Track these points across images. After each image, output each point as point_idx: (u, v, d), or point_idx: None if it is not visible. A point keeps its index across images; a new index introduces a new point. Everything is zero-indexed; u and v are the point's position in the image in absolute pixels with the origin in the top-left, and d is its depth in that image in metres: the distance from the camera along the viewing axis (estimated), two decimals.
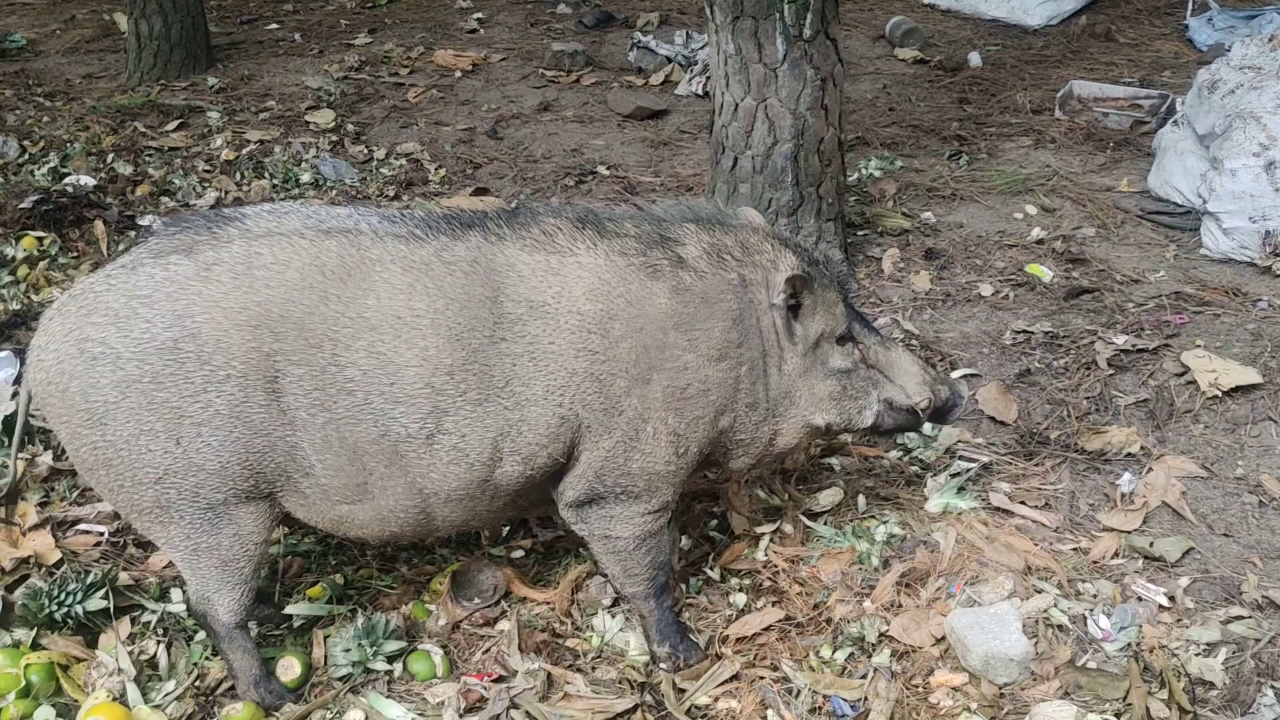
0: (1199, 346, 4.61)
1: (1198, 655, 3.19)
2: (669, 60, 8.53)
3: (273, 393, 2.71)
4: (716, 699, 3.12)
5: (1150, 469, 3.96)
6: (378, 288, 2.75)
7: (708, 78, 7.89)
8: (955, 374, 4.60)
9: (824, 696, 3.11)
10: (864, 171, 6.49)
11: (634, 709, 3.05)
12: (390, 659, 3.21)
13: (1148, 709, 3.01)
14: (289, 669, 3.16)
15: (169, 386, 2.66)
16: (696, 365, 2.95)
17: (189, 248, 2.73)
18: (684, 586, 3.51)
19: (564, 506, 3.06)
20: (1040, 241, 5.67)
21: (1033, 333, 4.88)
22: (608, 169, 6.85)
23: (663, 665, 3.19)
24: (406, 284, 2.76)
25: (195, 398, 2.67)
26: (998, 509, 3.82)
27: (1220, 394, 4.31)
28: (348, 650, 3.16)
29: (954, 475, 3.95)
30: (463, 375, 2.76)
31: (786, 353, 3.10)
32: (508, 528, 3.78)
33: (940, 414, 3.41)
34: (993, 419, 4.33)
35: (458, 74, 8.61)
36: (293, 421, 2.74)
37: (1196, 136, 5.88)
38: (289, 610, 3.39)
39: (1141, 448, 4.09)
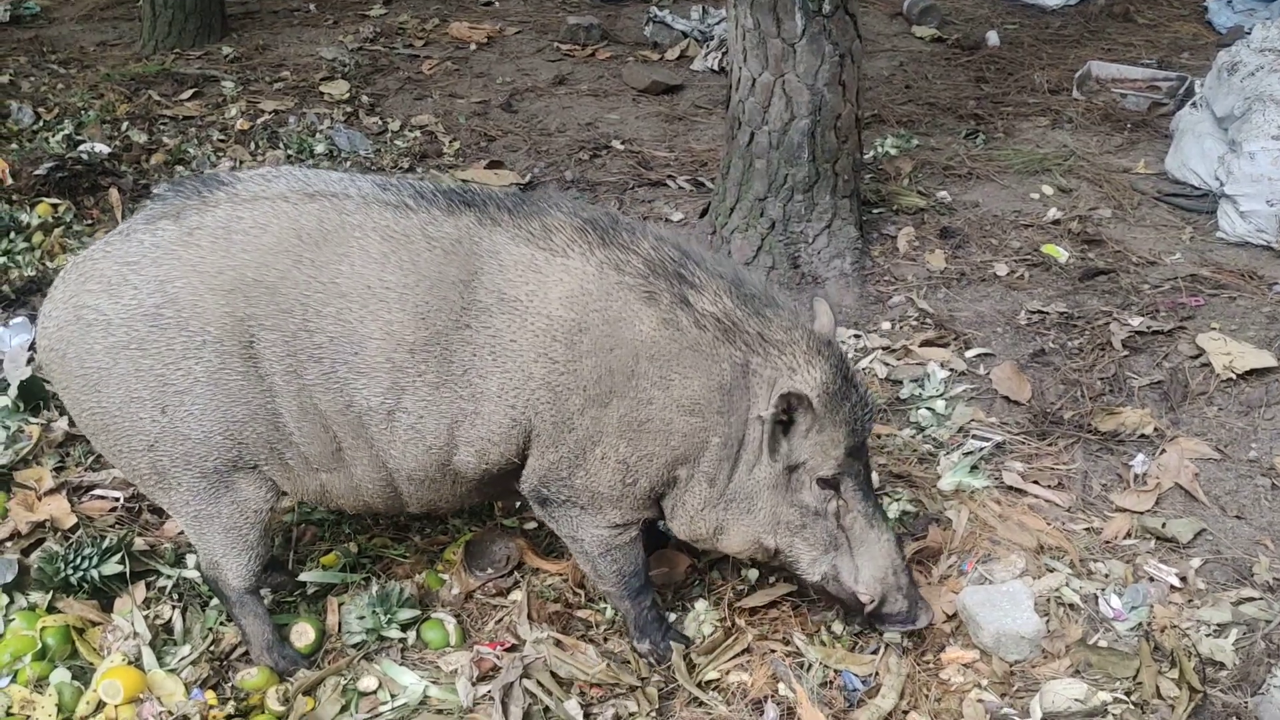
0: (1214, 329, 4.59)
1: (1208, 636, 3.20)
2: (685, 35, 8.49)
3: (249, 359, 2.69)
4: (728, 672, 3.13)
5: (1163, 450, 3.96)
6: (353, 255, 2.69)
7: (724, 53, 7.86)
8: (969, 353, 4.60)
9: (835, 671, 3.12)
10: (880, 149, 6.47)
11: (639, 686, 3.07)
12: (404, 627, 3.23)
13: (1158, 688, 3.02)
14: (303, 635, 3.18)
15: (154, 353, 2.67)
16: (662, 405, 2.77)
17: (177, 213, 2.73)
18: (696, 560, 3.51)
19: (530, 501, 3.02)
20: (1056, 222, 5.65)
21: (1047, 313, 4.86)
22: (622, 143, 6.82)
23: (643, 659, 3.18)
24: (382, 254, 2.69)
25: (177, 365, 2.68)
26: (1010, 488, 3.83)
27: (1234, 377, 4.29)
28: (362, 618, 3.18)
29: (967, 454, 3.96)
30: (424, 355, 2.70)
31: (764, 458, 2.83)
32: (520, 503, 3.78)
33: (880, 618, 3.03)
34: (1006, 398, 4.33)
35: (472, 46, 8.58)
36: (270, 388, 2.72)
37: (1215, 119, 5.84)
38: (303, 578, 3.41)
39: (1155, 429, 4.08)
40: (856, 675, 3.10)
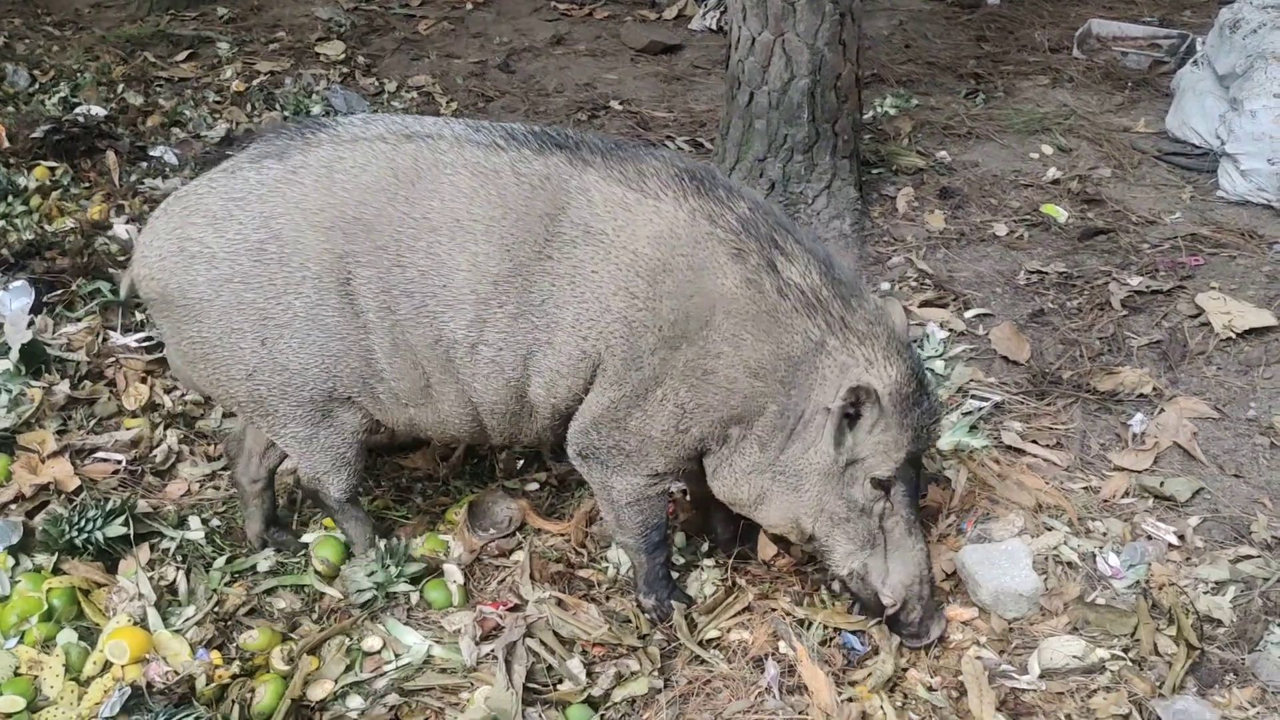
0: (1213, 288, 4.60)
1: (1206, 593, 3.22)
2: None
3: (346, 295, 2.77)
4: (729, 630, 3.16)
5: (1162, 410, 3.97)
6: (444, 190, 2.75)
7: (722, 11, 7.81)
8: (968, 313, 4.60)
9: (835, 630, 3.14)
10: (879, 109, 6.44)
11: (641, 646, 3.09)
12: (413, 580, 3.26)
13: (1156, 645, 3.05)
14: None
15: (256, 287, 2.77)
16: (730, 361, 2.76)
17: (282, 152, 2.82)
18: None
19: (568, 444, 3.03)
20: (1056, 181, 5.64)
21: (1047, 273, 4.86)
22: (620, 104, 6.79)
23: (645, 615, 3.20)
24: (471, 188, 2.74)
25: (278, 299, 2.78)
26: (1009, 447, 3.85)
27: (1234, 336, 4.31)
28: (372, 573, 3.20)
29: (966, 414, 3.97)
30: (505, 287, 2.74)
31: (820, 443, 2.79)
32: (522, 461, 3.80)
33: (894, 623, 3.02)
34: (1005, 358, 4.34)
35: (469, 6, 8.53)
36: (365, 325, 2.80)
37: (1216, 77, 5.81)
38: (305, 539, 3.43)
39: (1154, 388, 4.09)
40: (854, 636, 3.12)
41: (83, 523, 3.27)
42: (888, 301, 2.98)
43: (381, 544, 3.28)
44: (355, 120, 2.90)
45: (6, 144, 5.69)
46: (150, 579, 3.20)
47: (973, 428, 3.88)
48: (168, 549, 3.36)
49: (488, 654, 3.04)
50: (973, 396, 4.09)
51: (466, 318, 2.77)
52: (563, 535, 3.49)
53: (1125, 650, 3.06)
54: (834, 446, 2.78)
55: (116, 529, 3.30)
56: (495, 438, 3.06)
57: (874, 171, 5.74)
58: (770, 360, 2.76)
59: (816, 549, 2.98)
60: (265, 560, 3.36)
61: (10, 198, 5.22)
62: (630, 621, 3.18)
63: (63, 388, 3.96)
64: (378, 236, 2.74)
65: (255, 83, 6.97)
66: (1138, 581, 3.28)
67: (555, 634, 3.09)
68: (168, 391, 4.04)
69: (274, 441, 3.14)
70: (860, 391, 2.69)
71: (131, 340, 4.28)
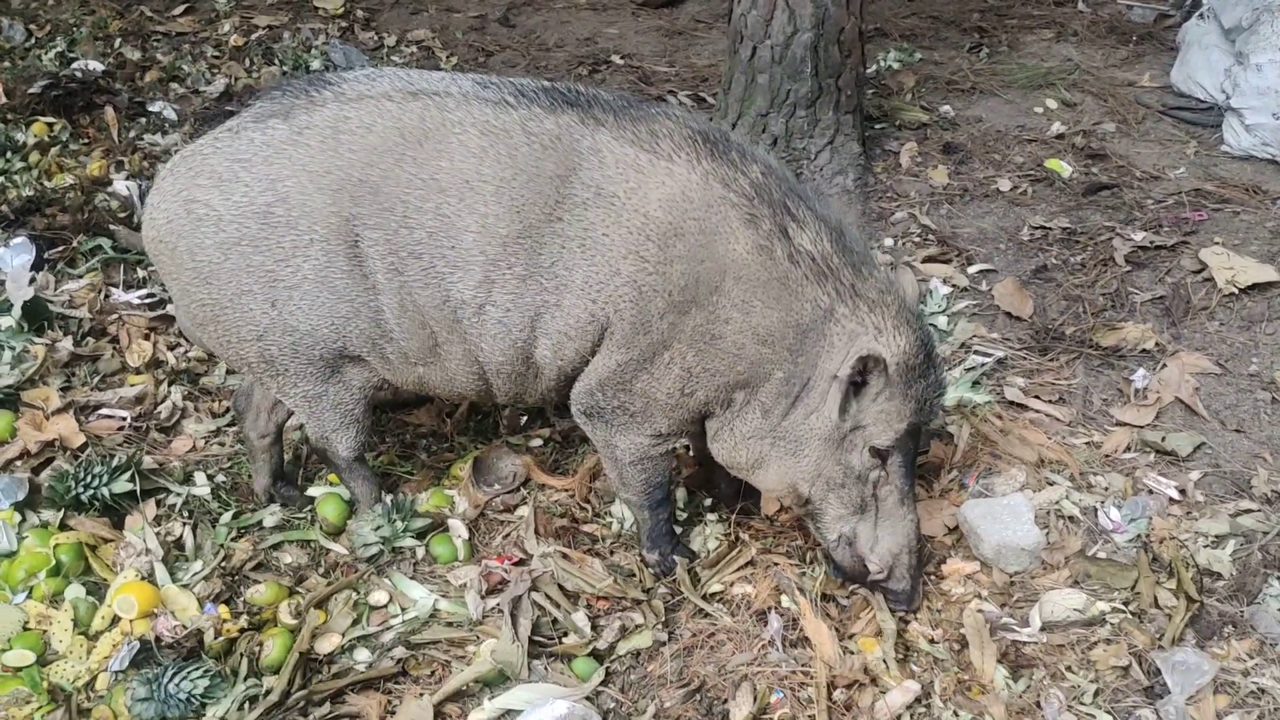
0: (1217, 244, 4.59)
1: (1206, 547, 3.24)
2: None
3: (354, 257, 2.77)
4: (732, 584, 3.18)
5: (1164, 365, 3.98)
6: (452, 150, 2.72)
7: None
8: (971, 269, 4.60)
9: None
10: (882, 64, 6.40)
11: (645, 600, 3.12)
12: (419, 535, 3.28)
13: (1156, 598, 3.07)
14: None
15: (264, 250, 2.76)
16: (738, 327, 2.74)
17: (287, 111, 2.79)
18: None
19: (572, 403, 3.03)
20: (1060, 136, 5.61)
21: (1050, 229, 4.85)
22: (622, 58, 6.75)
23: (649, 570, 3.22)
24: (480, 148, 2.71)
25: (286, 262, 2.77)
26: (1012, 403, 3.86)
27: (1237, 291, 4.30)
28: (378, 527, 3.22)
29: (969, 369, 3.97)
30: (514, 248, 2.73)
31: (824, 407, 2.79)
32: (525, 417, 3.81)
33: (873, 586, 3.04)
34: (1008, 314, 4.34)
35: None
36: (374, 286, 2.80)
37: (1222, 30, 5.77)
38: (310, 492, 3.45)
39: (1156, 344, 4.10)
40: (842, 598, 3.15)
41: (89, 479, 3.28)
42: (900, 271, 2.97)
43: (388, 499, 3.30)
44: (360, 77, 2.86)
45: (4, 100, 5.67)
46: (157, 534, 3.22)
47: (975, 383, 3.88)
48: (174, 505, 3.38)
49: (493, 608, 3.06)
50: (975, 352, 4.09)
51: (474, 279, 2.75)
52: (567, 490, 3.50)
53: (1125, 603, 3.08)
54: (839, 413, 2.77)
55: (122, 485, 3.31)
56: (501, 397, 3.06)
57: (877, 127, 5.71)
58: (779, 327, 2.75)
59: (809, 512, 2.98)
60: (271, 515, 3.37)
61: (9, 154, 5.21)
62: (634, 575, 3.20)
63: (66, 344, 3.97)
64: (385, 198, 2.72)
65: (253, 37, 6.93)
66: (1138, 535, 3.30)
67: (560, 587, 3.12)
68: (171, 348, 4.04)
69: (282, 401, 3.14)
70: (869, 360, 2.68)
71: (134, 297, 4.28)
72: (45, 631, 2.94)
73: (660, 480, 3.13)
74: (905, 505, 2.92)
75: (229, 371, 3.95)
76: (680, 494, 3.51)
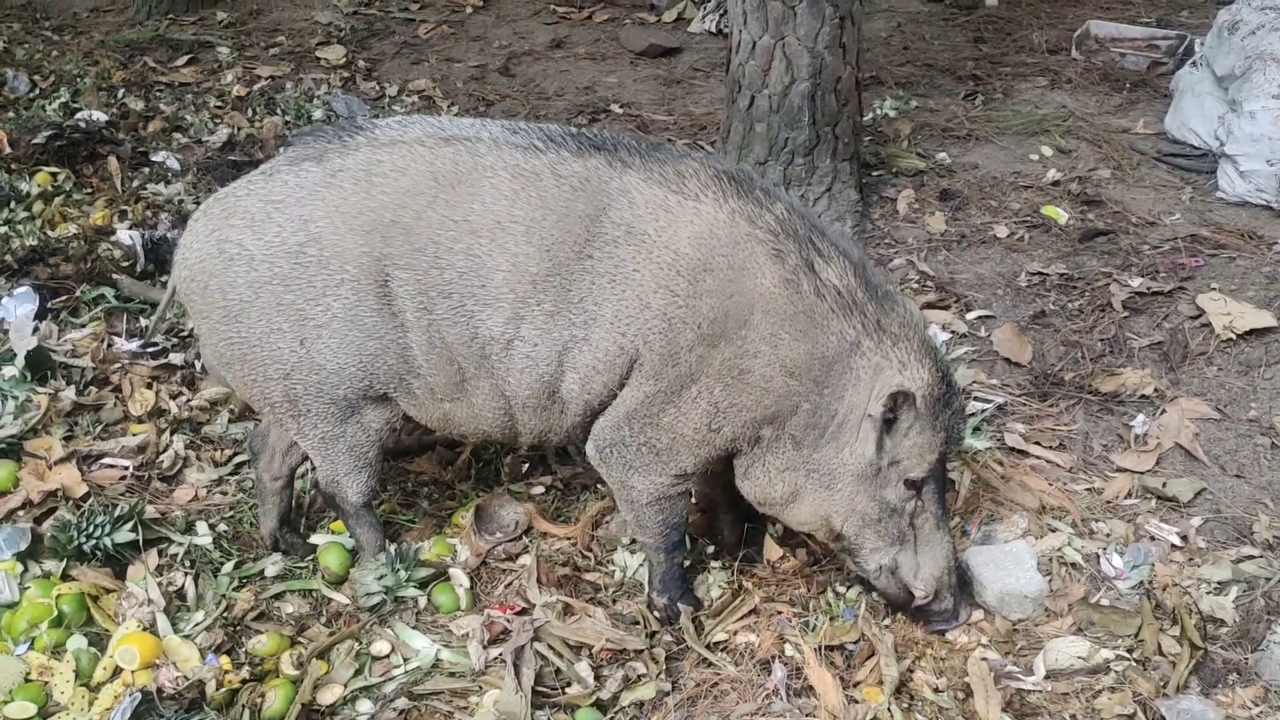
0: (1214, 289, 4.62)
1: (1209, 593, 3.24)
2: None
3: (384, 297, 2.82)
4: (735, 633, 3.17)
5: (1164, 411, 3.99)
6: (484, 193, 2.79)
7: (721, 14, 7.82)
8: (970, 315, 4.62)
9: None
10: (879, 111, 6.46)
11: (648, 645, 3.10)
12: (422, 585, 3.27)
13: (1160, 645, 3.07)
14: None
15: (295, 289, 2.82)
16: (767, 360, 2.79)
17: (320, 155, 2.86)
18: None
19: (591, 441, 3.05)
20: (1056, 183, 5.66)
21: (1048, 274, 4.88)
22: (621, 107, 6.81)
23: (655, 613, 3.22)
24: (512, 191, 2.78)
25: (317, 301, 2.82)
26: (1012, 449, 3.86)
27: (1234, 337, 4.33)
28: (381, 577, 3.22)
29: (969, 415, 3.98)
30: (544, 285, 2.78)
31: (856, 444, 2.83)
32: (527, 464, 3.82)
33: (924, 613, 3.08)
34: (1007, 360, 4.36)
35: (468, 10, 8.54)
36: (403, 324, 2.84)
37: (1215, 78, 5.83)
38: (314, 540, 3.45)
39: (1155, 389, 4.11)
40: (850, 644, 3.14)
41: (91, 529, 3.28)
42: (907, 303, 3.02)
43: (391, 548, 3.30)
44: (392, 124, 2.94)
45: (8, 150, 5.72)
46: (159, 584, 3.22)
47: (976, 429, 3.89)
48: (176, 554, 3.38)
49: (496, 658, 3.05)
50: (975, 398, 4.10)
51: (503, 316, 2.81)
52: (569, 539, 3.50)
53: (1129, 650, 3.08)
54: (876, 452, 2.82)
55: (125, 535, 3.31)
56: (525, 435, 3.09)
57: (874, 174, 5.76)
58: (806, 360, 2.80)
59: (843, 547, 3.02)
60: (273, 565, 3.37)
61: (13, 204, 5.24)
62: (638, 624, 3.19)
63: (69, 394, 3.98)
64: (416, 239, 2.78)
65: (256, 87, 6.99)
66: (1141, 582, 3.30)
67: (562, 638, 3.11)
68: (173, 397, 4.05)
69: (298, 442, 3.16)
70: (899, 396, 2.74)
71: (136, 346, 4.29)
72: (47, 683, 2.93)
73: (677, 522, 3.15)
74: (941, 529, 2.98)
75: (231, 420, 3.96)
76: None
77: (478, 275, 2.79)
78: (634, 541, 3.49)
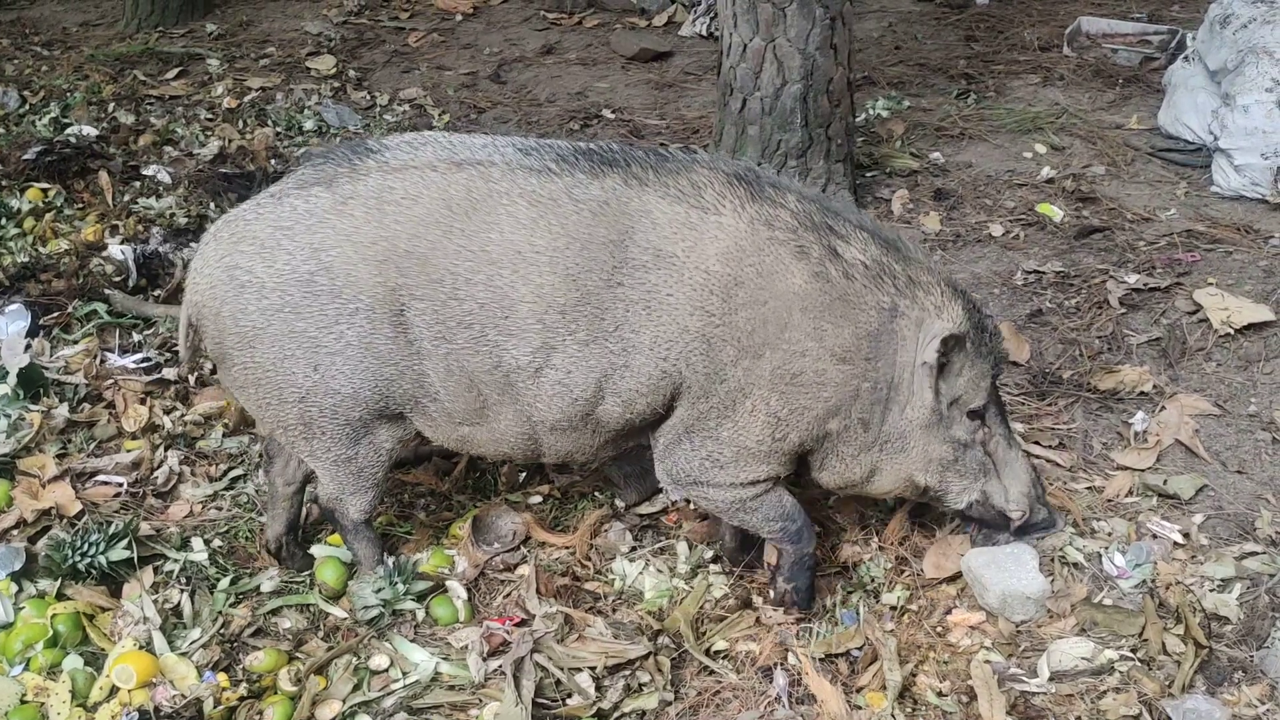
0: (1211, 284, 4.61)
1: (1212, 591, 3.22)
2: (672, 1, 8.43)
3: (399, 325, 2.81)
4: (736, 641, 3.15)
5: (1163, 407, 3.97)
6: (501, 222, 2.76)
7: (712, 17, 7.81)
8: None
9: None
10: (871, 112, 6.44)
11: (647, 655, 3.07)
12: (419, 598, 3.25)
13: (1164, 644, 3.05)
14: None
15: (307, 316, 2.80)
16: (816, 355, 2.83)
17: (330, 180, 2.83)
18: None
19: (658, 463, 3.07)
20: (1050, 180, 5.64)
21: (1044, 272, 4.87)
22: (613, 112, 6.80)
23: (773, 597, 3.22)
24: (530, 219, 2.76)
25: (329, 329, 2.81)
26: None
27: (1232, 331, 4.31)
28: (379, 590, 3.19)
29: None
30: (574, 315, 2.77)
31: (916, 398, 2.92)
32: (524, 474, 3.80)
33: (1026, 529, 3.22)
34: (1005, 359, 4.33)
35: (458, 17, 8.53)
36: (419, 351, 2.83)
37: (1208, 72, 5.82)
38: (313, 550, 3.44)
39: (1154, 386, 4.09)
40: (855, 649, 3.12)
41: (85, 547, 3.26)
42: (920, 248, 3.16)
43: (389, 561, 3.27)
44: (404, 144, 2.90)
45: None
46: (155, 602, 3.20)
47: None
48: (171, 571, 3.35)
49: (495, 670, 3.03)
50: None
51: (531, 346, 2.79)
52: (567, 548, 3.48)
53: (1133, 650, 3.06)
54: (935, 396, 2.92)
55: (120, 552, 3.28)
56: (550, 455, 3.08)
57: (868, 174, 5.74)
58: (853, 341, 2.85)
59: (933, 497, 3.13)
60: (270, 580, 3.35)
61: (4, 220, 5.22)
62: (639, 629, 3.16)
63: (62, 411, 3.95)
64: (433, 270, 2.76)
65: (247, 99, 6.98)
66: (1144, 581, 3.28)
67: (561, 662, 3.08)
68: (167, 413, 4.03)
69: (309, 463, 3.14)
70: (949, 340, 2.84)
71: (129, 361, 4.27)
72: (43, 704, 2.90)
73: (784, 513, 3.12)
74: (1014, 447, 3.12)
75: (225, 435, 3.94)
76: (681, 548, 3.48)
77: (500, 306, 2.77)
78: (633, 550, 3.47)
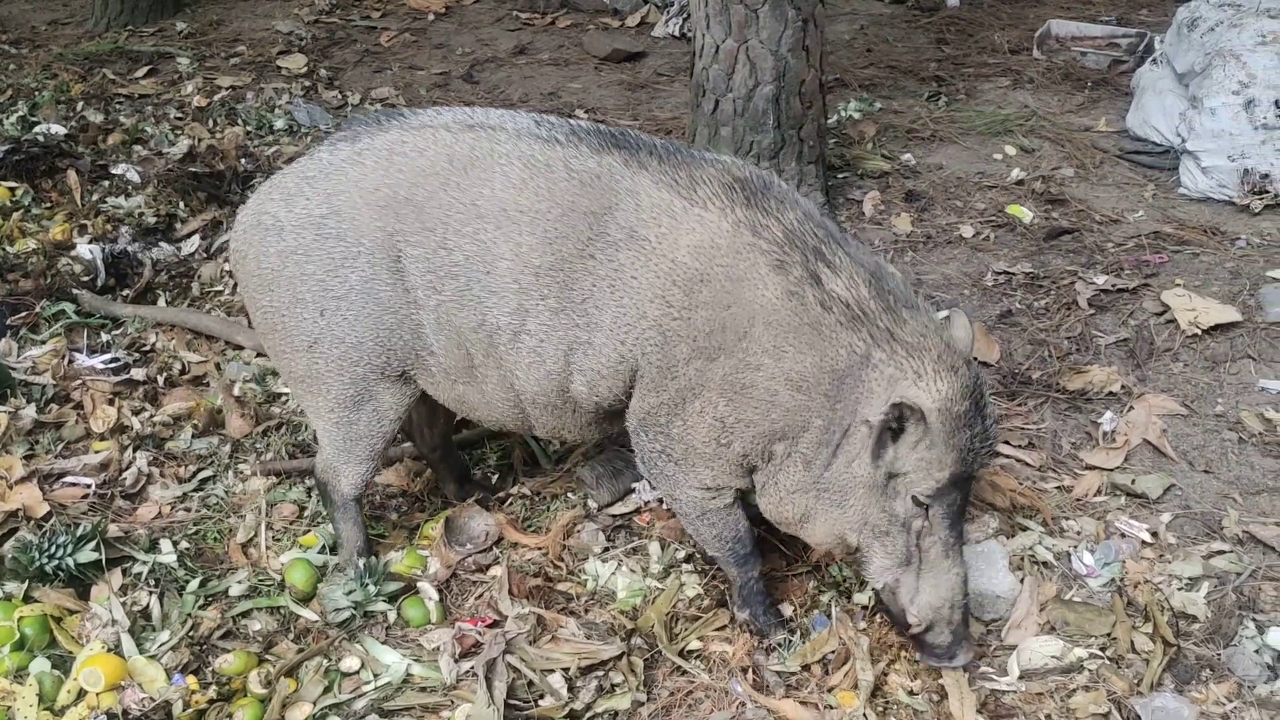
0: (1178, 285, 4.65)
1: (1180, 590, 3.25)
2: (645, 1, 8.44)
3: (396, 272, 2.88)
4: (709, 642, 3.15)
5: (1131, 407, 4.00)
6: (495, 180, 2.82)
7: (685, 18, 7.83)
8: (938, 315, 4.61)
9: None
10: (843, 113, 6.47)
11: (620, 656, 3.07)
12: (391, 599, 3.24)
13: (1132, 642, 3.07)
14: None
15: (316, 259, 2.91)
16: (770, 374, 2.73)
17: (355, 137, 2.97)
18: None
19: (636, 454, 3.09)
20: (1020, 182, 5.68)
21: (1014, 273, 4.90)
22: (585, 112, 6.79)
23: (744, 628, 3.18)
24: (521, 180, 2.81)
25: (335, 272, 2.91)
26: None
27: (1200, 332, 4.35)
28: (350, 591, 3.18)
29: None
30: (547, 279, 2.80)
31: (864, 455, 2.72)
32: (497, 475, 3.79)
33: (919, 643, 2.90)
34: (975, 359, 4.35)
35: (430, 17, 8.50)
36: (415, 300, 2.90)
37: (1175, 75, 5.88)
38: (283, 557, 3.41)
39: (1122, 386, 4.13)
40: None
41: (53, 549, 3.23)
42: (953, 313, 2.92)
43: (360, 562, 3.26)
44: (429, 110, 3.02)
45: None
46: (123, 604, 3.17)
47: None
48: (140, 573, 3.32)
49: (467, 671, 3.02)
50: None
51: (509, 305, 2.83)
52: (540, 549, 3.47)
53: (1103, 649, 3.08)
54: (872, 459, 2.70)
55: (87, 554, 3.26)
56: (540, 429, 3.13)
57: (840, 176, 5.76)
58: (814, 373, 2.72)
59: (856, 559, 2.91)
60: (239, 584, 3.32)
61: None
62: (613, 629, 3.16)
63: (29, 412, 3.92)
64: (427, 218, 2.84)
65: (217, 98, 6.92)
66: (1112, 580, 3.30)
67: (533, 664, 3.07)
68: (136, 413, 4.00)
69: (313, 423, 3.21)
70: (903, 408, 2.60)
71: (97, 362, 4.23)
72: (10, 708, 2.87)
73: (734, 535, 3.10)
74: (949, 558, 2.80)
75: (195, 435, 3.91)
76: (654, 548, 3.48)
77: (483, 260, 2.82)
78: (606, 550, 3.47)
